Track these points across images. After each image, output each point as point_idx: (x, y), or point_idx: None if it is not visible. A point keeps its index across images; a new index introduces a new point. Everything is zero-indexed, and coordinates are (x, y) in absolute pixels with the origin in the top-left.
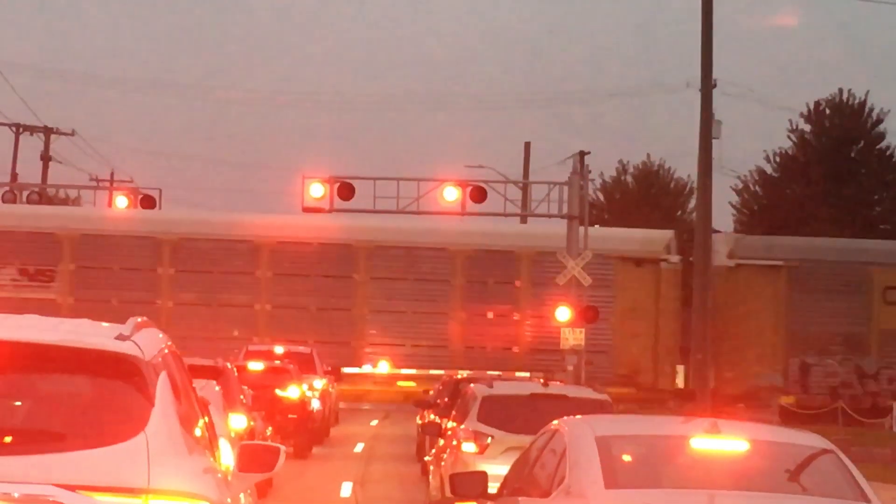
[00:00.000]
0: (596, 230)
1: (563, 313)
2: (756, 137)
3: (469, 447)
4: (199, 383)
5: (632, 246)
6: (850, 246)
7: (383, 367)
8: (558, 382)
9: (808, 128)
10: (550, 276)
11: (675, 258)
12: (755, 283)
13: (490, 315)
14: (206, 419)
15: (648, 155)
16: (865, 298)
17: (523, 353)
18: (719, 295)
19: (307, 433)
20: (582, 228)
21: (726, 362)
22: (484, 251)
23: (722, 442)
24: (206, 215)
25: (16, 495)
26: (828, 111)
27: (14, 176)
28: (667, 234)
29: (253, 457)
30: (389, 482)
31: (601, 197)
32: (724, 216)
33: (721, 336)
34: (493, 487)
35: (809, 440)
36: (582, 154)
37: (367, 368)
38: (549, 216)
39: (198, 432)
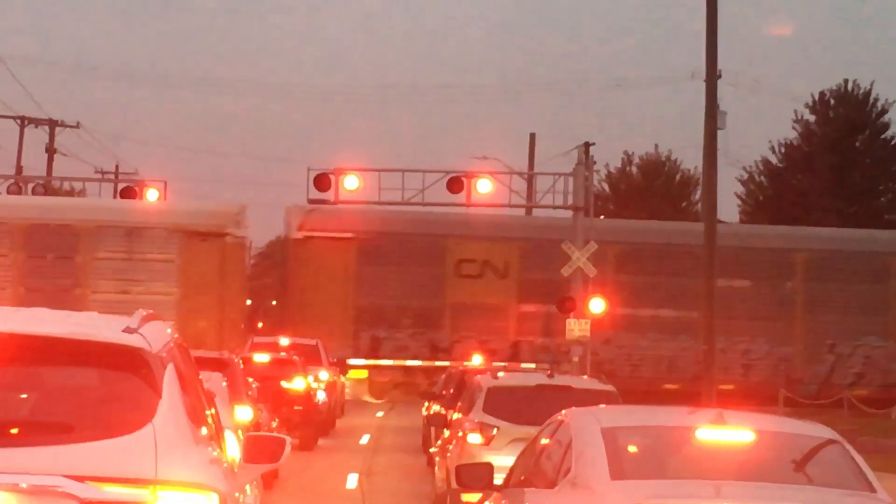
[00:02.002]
0: (162, 204)
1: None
2: (761, 128)
3: (475, 438)
4: (205, 375)
5: (199, 220)
6: (425, 218)
7: None
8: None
9: (813, 118)
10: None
11: (241, 232)
12: (325, 255)
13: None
14: (213, 411)
15: (656, 146)
16: (438, 271)
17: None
18: (289, 268)
19: (313, 425)
20: (138, 202)
21: (298, 336)
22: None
23: (727, 432)
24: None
25: (24, 486)
26: (833, 101)
27: (19, 168)
28: (235, 208)
29: (259, 448)
30: (395, 474)
31: (606, 188)
32: (729, 207)
33: (292, 309)
34: (498, 479)
35: (815, 430)
36: (587, 145)
37: None
38: (554, 207)
39: (204, 424)
